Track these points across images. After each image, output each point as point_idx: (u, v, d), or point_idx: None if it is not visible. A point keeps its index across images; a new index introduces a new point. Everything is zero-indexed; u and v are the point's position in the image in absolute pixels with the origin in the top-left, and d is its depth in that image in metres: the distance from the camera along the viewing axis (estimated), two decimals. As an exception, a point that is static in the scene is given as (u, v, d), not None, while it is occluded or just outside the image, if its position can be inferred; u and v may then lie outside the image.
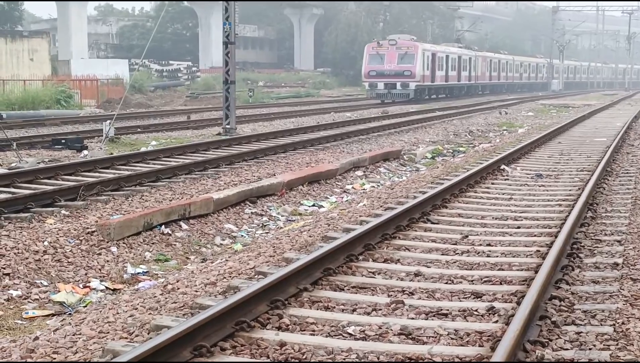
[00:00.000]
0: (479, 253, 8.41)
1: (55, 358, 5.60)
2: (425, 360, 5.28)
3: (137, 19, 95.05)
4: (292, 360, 5.36)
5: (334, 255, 7.53)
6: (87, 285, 8.49)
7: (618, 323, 5.94)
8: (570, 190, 12.70)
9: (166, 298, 6.89)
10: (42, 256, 8.94)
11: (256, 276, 7.41)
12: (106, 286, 8.51)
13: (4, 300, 7.80)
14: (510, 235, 9.36)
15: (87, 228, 9.99)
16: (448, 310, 6.29)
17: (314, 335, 5.81)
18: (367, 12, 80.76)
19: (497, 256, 8.21)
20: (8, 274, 8.33)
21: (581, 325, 5.90)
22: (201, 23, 78.41)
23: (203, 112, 35.78)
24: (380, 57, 49.86)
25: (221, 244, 10.68)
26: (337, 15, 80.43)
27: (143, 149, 18.95)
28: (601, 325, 5.92)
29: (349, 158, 17.41)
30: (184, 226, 10.87)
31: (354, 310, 6.38)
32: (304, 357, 5.39)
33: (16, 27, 58.89)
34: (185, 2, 79.29)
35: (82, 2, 63.86)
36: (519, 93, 71.42)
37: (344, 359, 5.34)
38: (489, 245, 8.79)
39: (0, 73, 42.18)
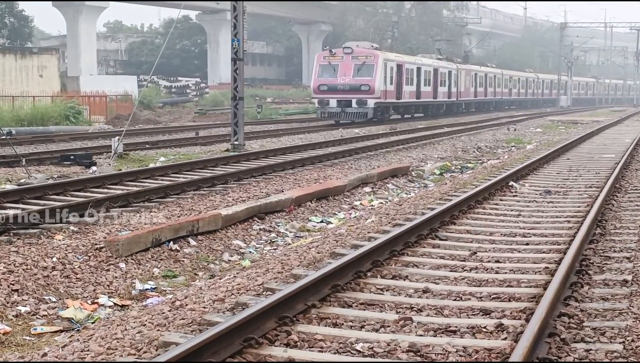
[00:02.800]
0: (487, 269, 8.39)
1: (63, 375, 5.60)
2: (434, 378, 5.27)
3: (145, 36, 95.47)
4: (301, 377, 5.35)
5: (342, 271, 7.53)
6: (96, 301, 8.50)
7: (628, 340, 5.92)
8: (579, 207, 12.67)
9: (174, 315, 6.89)
10: (50, 272, 8.95)
11: (264, 292, 7.41)
12: (114, 303, 8.51)
13: (13, 316, 7.81)
14: (519, 252, 9.34)
15: (96, 244, 10.01)
16: (457, 326, 6.28)
17: (322, 351, 5.80)
18: (375, 28, 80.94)
19: (505, 273, 8.19)
20: (17, 290, 8.34)
21: (590, 342, 5.88)
22: (210, 39, 78.69)
23: (211, 129, 35.86)
24: (333, 69, 41.50)
25: (229, 260, 10.68)
26: (345, 32, 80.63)
27: (151, 165, 18.99)
28: (611, 342, 5.90)
29: (357, 174, 17.41)
30: (193, 242, 10.87)
31: (362, 327, 6.36)
32: (312, 373, 5.38)
33: (26, 44, 59.21)
34: (195, 12, 79.40)
35: (91, 19, 64.13)
36: (517, 110, 69.43)
37: (353, 376, 5.33)
38: (497, 261, 8.77)
39: (9, 89, 42.36)
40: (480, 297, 7.23)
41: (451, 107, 55.98)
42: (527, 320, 6.05)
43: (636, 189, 14.73)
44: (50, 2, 63.88)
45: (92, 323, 7.78)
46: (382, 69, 41.47)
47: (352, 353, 5.78)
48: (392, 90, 43.32)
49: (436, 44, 67.36)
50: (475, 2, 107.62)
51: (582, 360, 5.55)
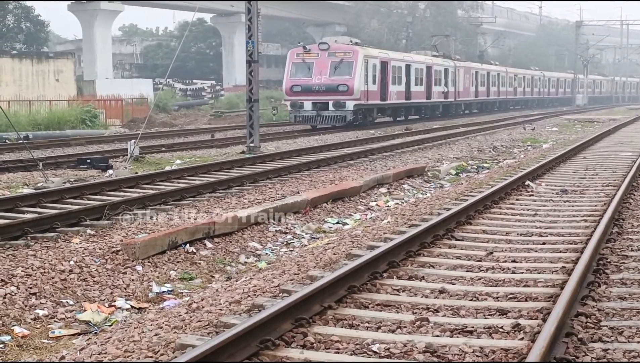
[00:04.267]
0: (504, 269, 8.36)
1: (81, 378, 5.63)
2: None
3: (161, 39, 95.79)
4: (317, 379, 5.35)
5: (358, 272, 7.52)
6: (113, 304, 8.53)
7: (646, 340, 5.89)
8: (595, 205, 12.62)
9: (191, 317, 6.91)
10: (68, 275, 8.99)
11: (281, 294, 7.41)
12: (131, 305, 8.54)
13: (31, 319, 7.86)
14: (536, 251, 9.31)
15: (113, 247, 10.05)
16: (473, 327, 6.26)
17: (338, 353, 5.80)
18: (390, 29, 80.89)
19: (522, 273, 8.17)
20: (35, 293, 8.39)
21: (608, 342, 5.85)
22: (224, 42, 78.80)
23: (227, 131, 35.92)
24: (308, 67, 36.89)
25: (245, 262, 10.70)
26: (359, 33, 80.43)
27: (167, 168, 19.05)
28: (628, 342, 5.87)
29: (372, 175, 17.40)
30: (209, 244, 10.90)
31: (378, 328, 6.36)
32: (329, 375, 5.38)
33: (42, 49, 59.54)
34: (210, 15, 79.55)
35: (106, 23, 64.39)
36: (525, 110, 68.08)
37: (369, 377, 5.32)
38: (514, 261, 8.74)
39: (26, 94, 42.62)
40: (497, 297, 7.21)
41: (449, 109, 51.89)
42: (544, 320, 6.02)
43: (653, 188, 14.65)
44: (66, 5, 64.20)
45: (110, 326, 7.82)
46: (363, 67, 36.84)
47: (368, 354, 5.78)
48: (375, 90, 38.56)
49: (432, 40, 61.14)
50: (490, 2, 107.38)
51: (600, 360, 5.52)
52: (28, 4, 60.23)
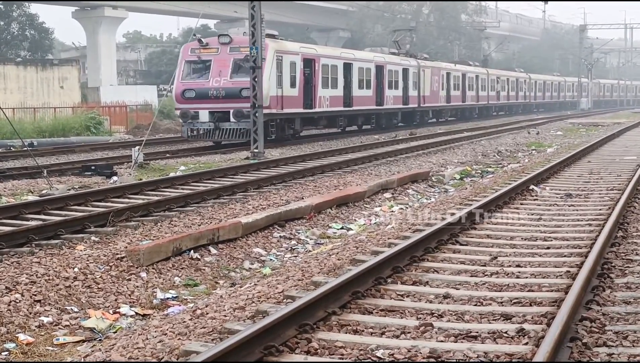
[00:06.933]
0: (508, 274, 8.35)
1: (85, 385, 5.63)
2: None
3: (164, 45, 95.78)
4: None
5: (363, 278, 7.52)
6: (117, 310, 8.53)
7: (650, 344, 5.88)
8: (600, 209, 12.59)
9: (195, 323, 6.91)
10: (72, 282, 9.00)
11: (285, 300, 7.41)
12: (136, 312, 8.54)
13: (35, 326, 7.86)
14: (540, 256, 9.29)
15: (117, 254, 10.06)
16: (477, 332, 6.25)
17: (342, 358, 5.80)
18: (394, 34, 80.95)
19: (526, 277, 8.15)
20: (39, 301, 8.39)
21: (613, 346, 5.84)
22: (228, 48, 78.89)
23: (231, 137, 35.88)
24: (205, 67, 28.98)
25: (250, 268, 10.69)
26: (363, 38, 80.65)
27: (172, 174, 19.06)
28: (633, 346, 5.86)
29: (377, 180, 17.40)
30: (213, 250, 10.90)
31: (382, 334, 6.35)
32: (333, 381, 5.37)
33: (46, 56, 59.66)
34: (214, 21, 79.67)
35: (110, 30, 64.54)
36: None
37: (373, 383, 5.32)
38: (518, 266, 8.73)
39: (31, 101, 42.70)
40: (501, 302, 7.20)
41: (411, 116, 44.52)
42: (549, 325, 6.01)
43: (658, 191, 14.61)
44: (71, 12, 64.40)
45: (114, 332, 7.82)
46: (274, 66, 28.65)
47: (372, 360, 5.77)
48: (295, 96, 30.39)
49: (394, 35, 51.47)
50: (493, 5, 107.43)
51: (605, 365, 5.51)
52: (32, 11, 60.41)
